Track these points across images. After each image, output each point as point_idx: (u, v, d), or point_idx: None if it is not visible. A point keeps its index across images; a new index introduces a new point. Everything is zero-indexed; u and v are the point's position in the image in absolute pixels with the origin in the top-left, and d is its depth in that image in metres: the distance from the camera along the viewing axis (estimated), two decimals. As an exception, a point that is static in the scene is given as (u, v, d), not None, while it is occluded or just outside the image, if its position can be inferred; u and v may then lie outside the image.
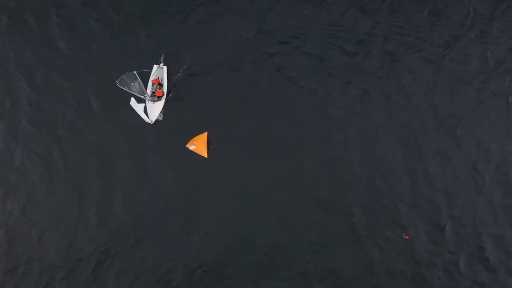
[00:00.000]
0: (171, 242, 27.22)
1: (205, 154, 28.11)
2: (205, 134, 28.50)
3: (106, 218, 27.72)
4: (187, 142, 28.40)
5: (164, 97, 28.71)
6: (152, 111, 28.31)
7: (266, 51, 30.05)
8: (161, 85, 28.99)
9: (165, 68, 29.21)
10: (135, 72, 27.71)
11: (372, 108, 28.65)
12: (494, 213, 26.60)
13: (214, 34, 30.27)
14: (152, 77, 28.92)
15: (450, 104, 28.54)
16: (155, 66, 29.24)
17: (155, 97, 28.60)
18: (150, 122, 28.20)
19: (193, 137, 28.49)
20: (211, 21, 30.58)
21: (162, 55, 29.69)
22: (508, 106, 28.30)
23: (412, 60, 29.41)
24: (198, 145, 28.17)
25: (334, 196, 27.31)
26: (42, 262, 27.38)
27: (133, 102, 28.44)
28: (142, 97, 28.10)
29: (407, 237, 26.42)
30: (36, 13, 31.19)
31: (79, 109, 29.43)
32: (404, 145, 27.92)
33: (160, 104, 28.45)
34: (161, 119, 28.74)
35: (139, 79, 27.70)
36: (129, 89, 27.49)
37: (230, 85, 29.36)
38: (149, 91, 28.69)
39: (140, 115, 28.27)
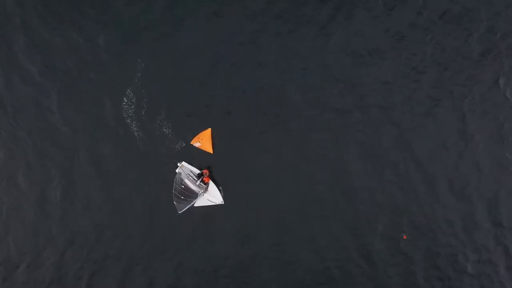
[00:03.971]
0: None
1: (210, 150, 27.55)
2: (209, 130, 27.80)
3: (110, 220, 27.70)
4: (191, 140, 27.75)
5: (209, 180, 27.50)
6: (213, 194, 27.13)
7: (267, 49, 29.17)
8: (201, 176, 27.38)
9: (183, 163, 27.55)
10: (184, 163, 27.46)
11: (373, 114, 28.37)
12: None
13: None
14: (190, 176, 27.18)
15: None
16: (178, 170, 27.33)
17: (203, 186, 27.14)
18: (221, 202, 27.10)
19: (197, 134, 27.76)
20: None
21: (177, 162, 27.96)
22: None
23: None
24: (203, 142, 27.52)
25: (333, 194, 27.46)
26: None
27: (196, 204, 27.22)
28: (198, 194, 27.01)
29: (405, 237, 27.04)
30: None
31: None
32: (402, 146, 28.07)
33: (212, 185, 27.23)
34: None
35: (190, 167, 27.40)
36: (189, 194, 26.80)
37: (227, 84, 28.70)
38: (199, 185, 27.16)
39: (210, 204, 27.19)
